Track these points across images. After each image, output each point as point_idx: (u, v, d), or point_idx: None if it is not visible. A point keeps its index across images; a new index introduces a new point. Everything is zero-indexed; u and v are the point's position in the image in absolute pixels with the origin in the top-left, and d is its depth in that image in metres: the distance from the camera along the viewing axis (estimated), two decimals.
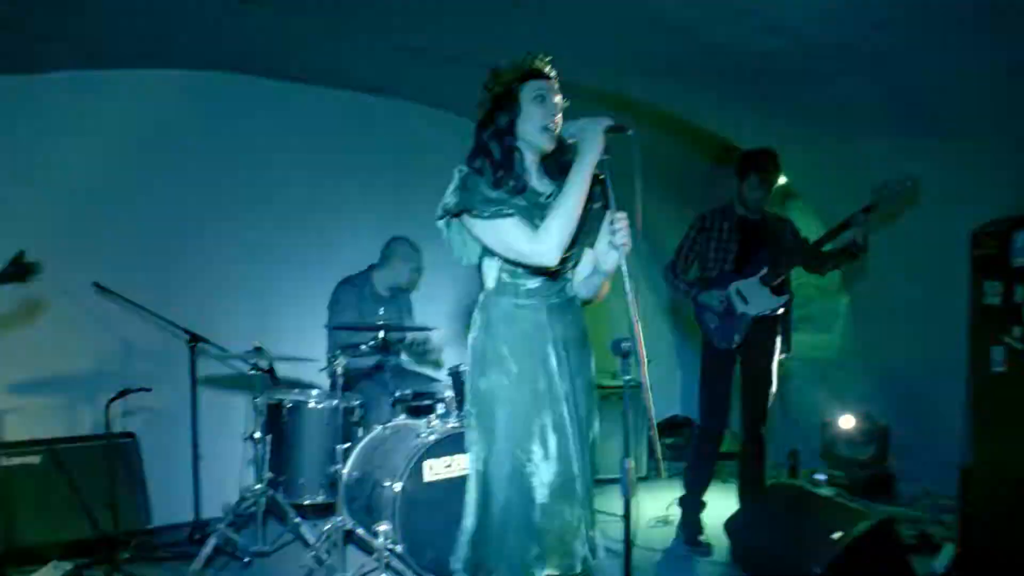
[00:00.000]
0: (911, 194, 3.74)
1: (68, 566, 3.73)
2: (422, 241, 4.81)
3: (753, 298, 4.09)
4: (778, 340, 4.22)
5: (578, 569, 2.34)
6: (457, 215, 2.35)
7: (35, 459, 3.87)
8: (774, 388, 4.20)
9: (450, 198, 2.33)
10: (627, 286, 2.22)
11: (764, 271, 4.08)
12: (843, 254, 3.99)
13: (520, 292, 2.41)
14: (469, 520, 2.38)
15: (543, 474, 2.32)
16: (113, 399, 3.98)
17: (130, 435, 4.25)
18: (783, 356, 4.29)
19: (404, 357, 4.96)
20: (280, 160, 4.98)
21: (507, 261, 2.38)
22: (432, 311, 5.17)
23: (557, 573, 2.33)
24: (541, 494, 2.31)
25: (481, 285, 2.49)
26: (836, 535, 3.26)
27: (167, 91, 4.60)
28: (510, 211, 2.29)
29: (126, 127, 4.45)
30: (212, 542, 3.68)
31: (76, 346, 4.33)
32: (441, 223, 2.41)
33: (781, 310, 4.14)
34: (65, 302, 4.20)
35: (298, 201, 5.06)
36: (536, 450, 2.32)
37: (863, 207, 3.79)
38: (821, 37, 3.60)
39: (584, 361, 2.49)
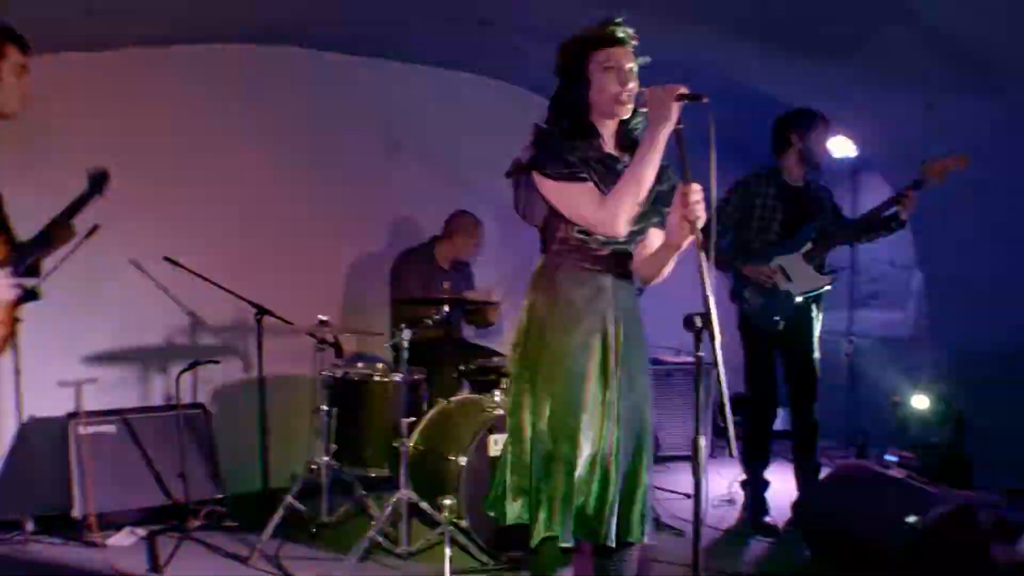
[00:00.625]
0: (958, 170, 3.59)
1: (142, 532, 3.84)
2: (481, 215, 4.80)
3: (798, 276, 3.90)
4: (819, 316, 4.05)
5: (608, 542, 2.30)
6: (528, 172, 2.31)
7: (111, 428, 3.98)
8: (817, 364, 4.05)
9: (523, 154, 2.29)
10: (701, 259, 2.16)
11: (808, 246, 3.91)
12: (883, 227, 3.85)
13: (585, 258, 2.35)
14: (508, 474, 2.36)
15: (593, 443, 2.29)
16: (183, 371, 4.07)
17: (200, 406, 4.34)
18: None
19: (468, 330, 4.96)
20: (345, 135, 5.00)
21: (574, 225, 2.33)
22: (492, 286, 5.16)
23: (596, 541, 2.32)
24: (591, 464, 2.29)
25: (543, 247, 2.45)
26: (911, 519, 3.16)
27: (238, 66, 4.66)
28: (583, 175, 2.25)
29: (197, 102, 4.52)
30: (280, 512, 3.74)
31: (148, 319, 4.43)
32: (510, 179, 2.37)
33: (827, 289, 3.97)
34: (137, 276, 4.29)
35: (363, 175, 5.08)
36: (587, 419, 2.28)
37: (911, 183, 3.65)
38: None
39: (640, 335, 2.44)
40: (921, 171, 3.64)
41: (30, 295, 2.86)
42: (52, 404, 3.99)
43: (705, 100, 2.16)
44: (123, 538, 3.79)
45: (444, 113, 5.35)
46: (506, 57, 4.96)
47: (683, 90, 2.18)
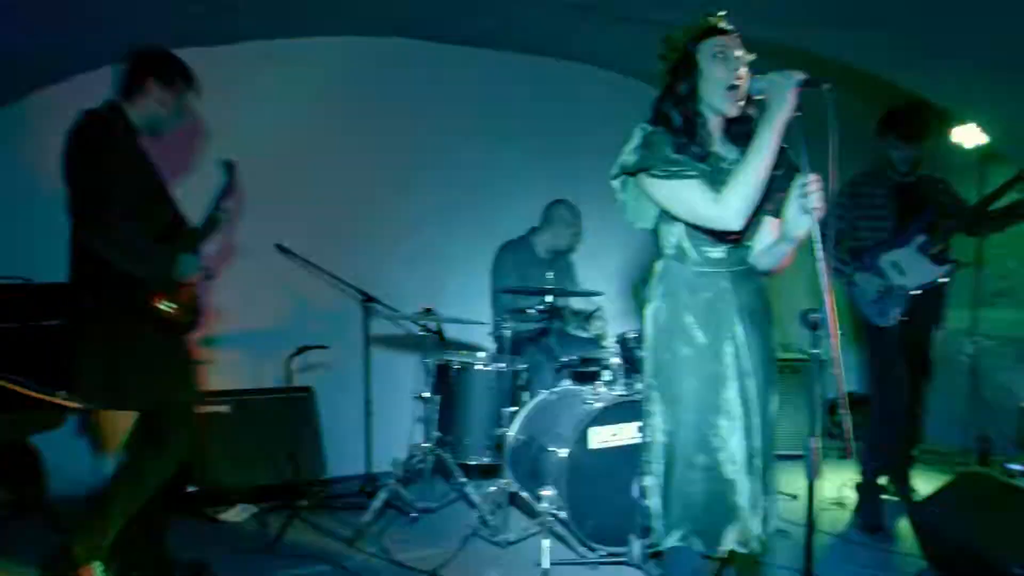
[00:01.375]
0: None
1: (253, 509, 3.99)
2: (585, 205, 4.75)
3: (912, 269, 3.80)
4: (941, 313, 3.95)
5: (755, 546, 2.24)
6: (634, 174, 2.25)
7: (225, 408, 4.14)
8: (933, 365, 3.96)
9: (629, 156, 2.23)
10: (818, 254, 2.06)
11: (922, 239, 3.80)
12: (1009, 214, 3.67)
13: (702, 259, 2.29)
14: (655, 495, 2.30)
15: (730, 448, 2.22)
16: (293, 355, 4.19)
17: (307, 389, 4.47)
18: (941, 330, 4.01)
19: (570, 322, 4.93)
20: (451, 125, 5.06)
21: (688, 225, 2.26)
22: (595, 278, 5.11)
23: (737, 549, 2.24)
24: (729, 469, 2.21)
25: (657, 251, 2.39)
26: None
27: (345, 58, 4.76)
28: (692, 172, 2.17)
29: (306, 94, 4.64)
30: (382, 496, 3.82)
31: (259, 304, 4.58)
32: (616, 183, 2.32)
33: (945, 279, 3.82)
34: (250, 262, 4.43)
35: (467, 166, 5.12)
36: (723, 423, 2.22)
37: None
38: None
39: (767, 332, 2.35)
40: None
41: (210, 275, 3.06)
42: None
43: (826, 87, 2.07)
44: (235, 514, 3.95)
45: (549, 103, 5.32)
46: (610, 45, 4.89)
47: (802, 77, 2.09)
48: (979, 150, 5.05)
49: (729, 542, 2.22)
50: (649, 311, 2.35)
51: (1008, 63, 4.01)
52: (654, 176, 2.20)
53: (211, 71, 4.34)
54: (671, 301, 2.30)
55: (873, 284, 3.86)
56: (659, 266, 2.37)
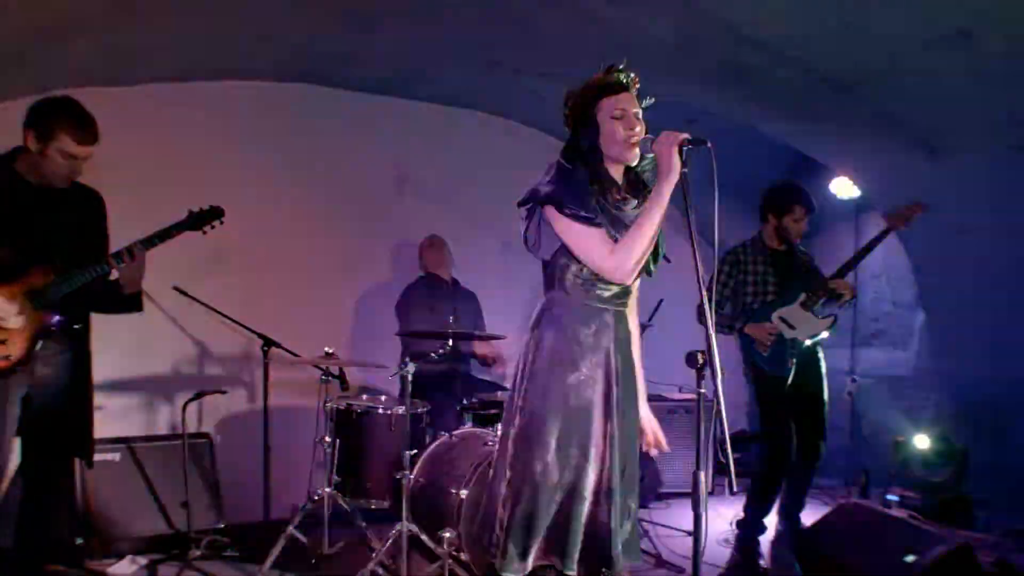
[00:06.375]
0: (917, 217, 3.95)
1: (143, 560, 3.85)
2: (491, 249, 4.86)
3: (799, 323, 4.11)
4: (823, 357, 4.26)
5: (616, 569, 2.35)
6: (543, 205, 2.36)
7: (115, 456, 4.01)
8: (827, 404, 4.24)
9: (543, 187, 2.36)
10: (704, 297, 2.20)
11: (803, 297, 4.12)
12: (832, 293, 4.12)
13: (595, 295, 2.42)
14: (511, 512, 2.35)
15: (591, 475, 2.34)
16: (189, 400, 4.10)
17: (205, 435, 4.36)
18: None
19: (473, 365, 5.00)
20: (355, 169, 5.08)
21: (585, 265, 2.39)
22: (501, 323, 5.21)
23: (608, 567, 2.35)
24: (589, 493, 2.34)
25: (547, 282, 2.49)
26: (910, 558, 3.16)
27: (250, 101, 4.73)
28: (597, 221, 2.32)
29: (209, 137, 4.59)
30: (281, 542, 3.74)
31: (155, 348, 4.48)
32: (523, 209, 2.42)
33: (826, 334, 4.15)
34: (145, 304, 4.32)
35: (371, 209, 5.14)
36: (593, 450, 2.35)
37: (878, 234, 4.02)
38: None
39: (634, 372, 2.53)
40: (887, 220, 4.02)
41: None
42: None
43: (708, 145, 2.21)
44: (125, 566, 3.79)
45: (451, 150, 5.42)
46: (511, 95, 5.06)
47: (686, 137, 2.23)
48: (854, 201, 5.44)
49: (608, 561, 2.33)
50: (533, 339, 2.44)
51: (877, 128, 4.37)
52: (563, 213, 2.32)
53: (114, 111, 4.31)
54: (559, 330, 2.40)
55: (768, 339, 4.10)
56: (551, 295, 2.47)
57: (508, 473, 2.39)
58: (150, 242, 3.04)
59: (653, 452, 2.62)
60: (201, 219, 3.28)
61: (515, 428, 2.41)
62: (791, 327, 4.10)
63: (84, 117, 2.87)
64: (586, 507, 2.34)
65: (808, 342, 4.09)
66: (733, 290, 4.28)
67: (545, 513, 2.33)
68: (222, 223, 3.37)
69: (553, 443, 2.34)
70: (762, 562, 4.10)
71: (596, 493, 2.35)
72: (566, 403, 2.36)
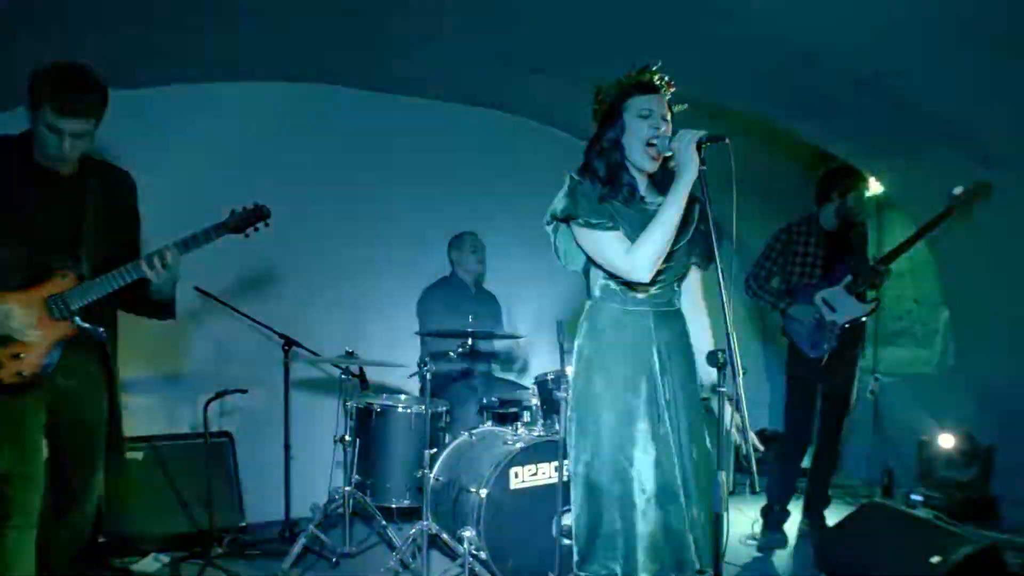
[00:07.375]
0: (983, 199, 3.93)
1: (166, 559, 3.88)
2: (519, 251, 4.90)
3: (840, 306, 4.14)
4: (859, 351, 4.31)
5: (697, 569, 2.33)
6: (564, 220, 2.39)
7: (138, 455, 4.05)
8: (854, 399, 4.29)
9: (558, 203, 2.39)
10: (723, 296, 2.18)
11: (848, 279, 4.14)
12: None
13: (629, 299, 2.42)
14: (576, 522, 2.40)
15: (644, 480, 2.32)
16: (211, 400, 4.12)
17: (226, 434, 4.40)
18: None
19: (493, 364, 5.00)
20: (375, 171, 5.07)
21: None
22: (523, 321, 5.22)
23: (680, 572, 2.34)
24: (641, 500, 2.32)
25: (587, 291, 2.52)
26: (935, 559, 3.12)
27: (268, 104, 4.74)
28: (612, 224, 2.33)
29: (231, 139, 4.59)
30: (301, 541, 3.77)
31: (177, 348, 4.50)
32: (549, 228, 2.47)
33: (866, 317, 4.19)
34: None
35: (390, 211, 5.14)
36: (638, 456, 2.33)
37: (941, 212, 3.96)
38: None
39: (690, 371, 2.49)
40: (951, 200, 3.95)
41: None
42: None
43: (727, 141, 2.21)
44: (148, 564, 3.83)
45: (471, 149, 5.41)
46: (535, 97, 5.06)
47: (704, 135, 2.24)
48: (876, 198, 5.38)
49: (649, 571, 2.30)
50: (576, 346, 2.48)
51: (899, 127, 4.33)
52: (579, 225, 2.36)
53: (140, 114, 4.33)
54: (596, 338, 2.43)
55: (808, 316, 4.15)
56: (588, 304, 2.50)
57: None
58: (185, 246, 2.76)
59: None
60: (245, 220, 2.95)
61: (568, 435, 2.48)
62: (832, 309, 4.13)
63: (68, 82, 2.39)
64: (639, 513, 2.32)
65: (846, 324, 4.11)
66: (782, 267, 4.33)
67: (605, 520, 2.33)
68: (267, 225, 3.01)
69: (597, 450, 2.35)
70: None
71: (640, 500, 2.32)
72: (603, 409, 2.37)
